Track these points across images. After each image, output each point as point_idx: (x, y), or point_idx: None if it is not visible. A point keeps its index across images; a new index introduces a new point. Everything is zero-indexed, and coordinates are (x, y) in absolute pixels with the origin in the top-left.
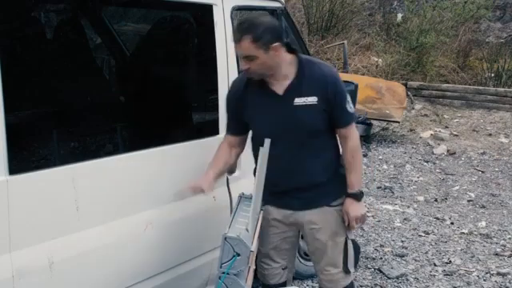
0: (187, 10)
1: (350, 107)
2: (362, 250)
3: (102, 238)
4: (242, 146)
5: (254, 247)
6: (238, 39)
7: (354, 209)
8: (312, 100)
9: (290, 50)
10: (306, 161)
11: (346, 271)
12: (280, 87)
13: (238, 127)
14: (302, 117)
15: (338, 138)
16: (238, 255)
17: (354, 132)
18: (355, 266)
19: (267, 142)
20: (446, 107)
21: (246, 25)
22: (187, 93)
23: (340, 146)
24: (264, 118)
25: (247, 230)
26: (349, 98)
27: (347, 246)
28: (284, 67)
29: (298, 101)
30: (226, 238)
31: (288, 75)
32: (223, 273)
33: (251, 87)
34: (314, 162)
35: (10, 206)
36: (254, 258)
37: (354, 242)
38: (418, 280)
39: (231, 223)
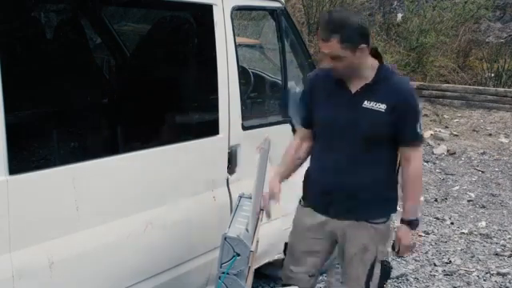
0: (187, 9)
1: (419, 128)
2: None
3: (102, 238)
4: (313, 140)
5: (253, 247)
6: (325, 38)
7: (407, 237)
8: (380, 107)
9: (375, 55)
10: (358, 168)
11: None
12: (354, 87)
13: (310, 119)
14: (364, 119)
15: (400, 160)
16: (238, 255)
17: (418, 155)
18: None
19: (267, 141)
20: (445, 107)
21: (334, 24)
22: (187, 93)
23: (401, 170)
24: (330, 111)
25: (247, 230)
26: (421, 120)
27: (374, 267)
28: (366, 69)
29: (367, 104)
30: (225, 238)
31: (366, 77)
32: (223, 273)
33: (327, 80)
34: (363, 171)
35: (9, 206)
36: (254, 258)
37: (384, 264)
38: (418, 280)
39: (231, 223)
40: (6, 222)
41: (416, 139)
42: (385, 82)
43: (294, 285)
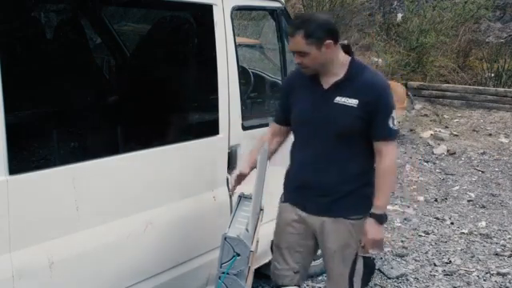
0: (187, 9)
1: (392, 123)
2: None
3: (102, 238)
4: (285, 136)
5: (253, 247)
6: (291, 34)
7: (373, 231)
8: (352, 102)
9: (347, 52)
10: (332, 164)
11: (351, 287)
12: (327, 83)
13: (283, 116)
14: (336, 115)
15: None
16: (238, 255)
17: (390, 150)
18: (365, 285)
19: (265, 144)
20: (446, 107)
21: (299, 20)
22: (187, 93)
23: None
24: (303, 108)
25: (247, 230)
26: (394, 114)
27: (355, 263)
28: (336, 65)
29: (339, 99)
30: (225, 238)
31: (338, 73)
32: (223, 273)
33: (303, 78)
34: (339, 167)
35: (9, 206)
36: (254, 258)
37: (367, 260)
38: (418, 280)
39: (231, 223)
40: (5, 222)
41: (388, 134)
42: (357, 77)
43: (294, 285)
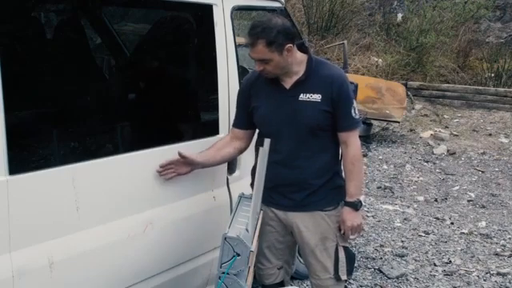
0: (187, 9)
1: (354, 113)
2: (361, 249)
3: (102, 238)
4: (245, 141)
5: (254, 247)
6: (251, 43)
7: (351, 218)
8: (316, 97)
9: (302, 50)
10: (302, 158)
11: (338, 278)
12: (288, 83)
13: (244, 120)
14: (303, 112)
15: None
16: (238, 255)
17: (355, 139)
18: (349, 274)
19: (267, 141)
20: (446, 107)
21: (259, 29)
22: (187, 93)
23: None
24: (268, 109)
25: (247, 230)
26: (355, 104)
27: (338, 252)
28: (295, 65)
29: (303, 96)
30: (225, 238)
31: (298, 72)
32: (223, 273)
33: (262, 80)
34: (310, 162)
35: (10, 206)
36: (254, 258)
37: (347, 249)
38: (418, 280)
39: (231, 223)
40: (5, 222)
41: (352, 124)
42: (316, 73)
43: (285, 280)
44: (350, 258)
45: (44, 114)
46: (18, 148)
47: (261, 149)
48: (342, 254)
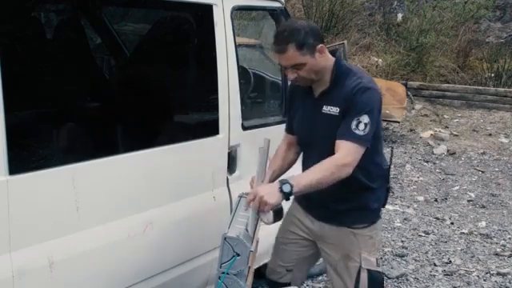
0: (187, 9)
1: (356, 126)
2: None
3: (102, 238)
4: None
5: (253, 247)
6: (282, 50)
7: (266, 189)
8: (334, 111)
9: (333, 55)
10: None
11: None
12: (317, 92)
13: (292, 126)
14: (323, 124)
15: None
16: (238, 255)
17: (345, 150)
18: None
19: (266, 141)
20: (446, 107)
21: (286, 33)
22: (187, 93)
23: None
24: (300, 118)
25: (247, 229)
26: (367, 120)
27: (359, 274)
28: (327, 71)
29: (325, 109)
30: (225, 238)
31: (326, 80)
32: (223, 273)
33: (300, 87)
34: (341, 181)
35: (10, 206)
36: (254, 259)
37: (371, 272)
38: (418, 280)
39: (231, 223)
40: (6, 222)
41: (347, 134)
42: (340, 82)
43: (292, 285)
44: (374, 282)
45: (44, 114)
46: (18, 148)
47: (259, 148)
48: (364, 278)
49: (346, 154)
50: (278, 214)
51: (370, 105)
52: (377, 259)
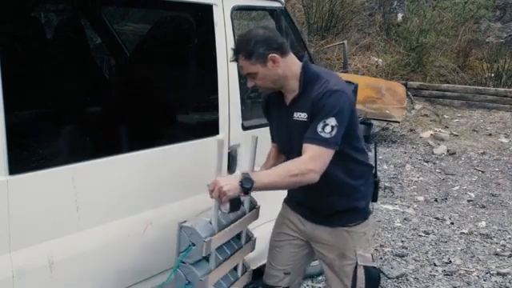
0: (187, 10)
1: (322, 129)
2: None
3: (102, 238)
4: None
5: (215, 240)
6: (234, 60)
7: (226, 180)
8: (303, 117)
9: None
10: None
11: None
12: (288, 99)
13: (272, 134)
14: (297, 132)
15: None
16: (194, 245)
17: (311, 153)
18: None
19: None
20: (446, 107)
21: (237, 44)
22: (187, 93)
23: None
24: (276, 127)
25: (211, 222)
26: (334, 123)
27: (356, 272)
28: (291, 80)
29: (296, 115)
30: (181, 228)
31: (295, 88)
32: (181, 262)
33: (274, 96)
34: (321, 181)
35: (10, 206)
36: (212, 250)
37: (368, 269)
38: (418, 280)
39: (200, 215)
40: (6, 222)
41: (313, 138)
42: (309, 88)
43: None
44: (371, 278)
45: (44, 114)
46: (18, 148)
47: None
48: (360, 274)
49: (311, 159)
50: (235, 204)
51: (338, 107)
52: (372, 254)
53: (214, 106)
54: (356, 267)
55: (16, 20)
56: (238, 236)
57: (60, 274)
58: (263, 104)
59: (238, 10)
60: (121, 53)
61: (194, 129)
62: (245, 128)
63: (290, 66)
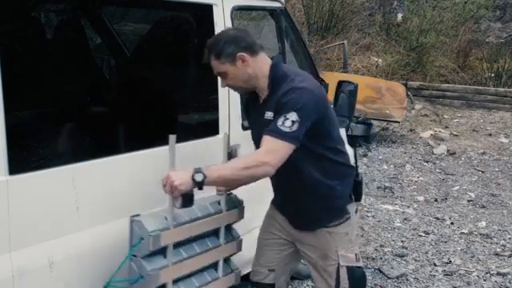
0: (187, 9)
1: (283, 123)
2: (361, 249)
3: (102, 238)
4: None
5: (167, 235)
6: (206, 60)
7: (178, 174)
8: (270, 115)
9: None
10: (288, 178)
11: None
12: (262, 98)
13: None
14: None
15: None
16: (143, 239)
17: (269, 146)
18: None
19: (172, 138)
20: (446, 107)
21: (208, 44)
22: (187, 93)
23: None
24: (251, 128)
25: (166, 218)
26: (295, 118)
27: (339, 272)
28: (261, 79)
29: (266, 115)
30: (132, 221)
31: (265, 88)
32: (133, 255)
33: (251, 96)
34: (298, 182)
35: (10, 206)
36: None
37: (351, 269)
38: (418, 280)
39: (156, 212)
40: (6, 222)
41: (272, 130)
42: (277, 87)
43: (276, 285)
44: (355, 278)
45: (44, 114)
46: (18, 148)
47: (170, 136)
48: (343, 274)
49: (267, 151)
50: (187, 199)
51: (300, 103)
52: (356, 254)
53: (214, 106)
54: (338, 268)
55: (16, 20)
56: (217, 234)
57: (60, 273)
58: (243, 104)
59: (238, 10)
60: (121, 53)
61: (194, 129)
62: (245, 128)
63: (261, 65)
